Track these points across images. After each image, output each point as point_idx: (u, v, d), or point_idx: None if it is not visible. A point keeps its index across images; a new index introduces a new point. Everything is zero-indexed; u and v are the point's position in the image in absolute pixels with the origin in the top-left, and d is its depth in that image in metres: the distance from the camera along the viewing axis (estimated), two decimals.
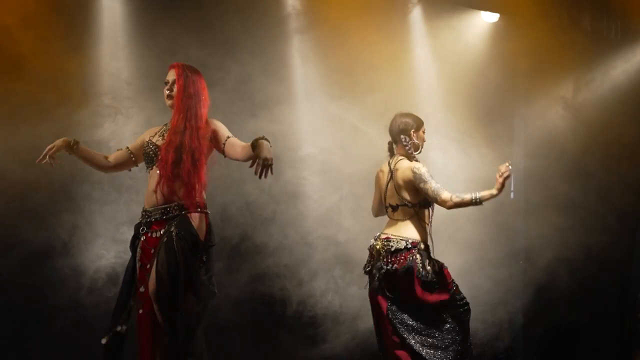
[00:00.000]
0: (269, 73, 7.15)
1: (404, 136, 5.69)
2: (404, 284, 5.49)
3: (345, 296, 7.15)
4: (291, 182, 7.09)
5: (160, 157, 5.00)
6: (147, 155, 5.11)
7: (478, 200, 5.39)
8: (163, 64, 6.19)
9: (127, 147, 5.23)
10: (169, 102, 5.16)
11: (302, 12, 7.34)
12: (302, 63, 7.36)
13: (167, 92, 5.15)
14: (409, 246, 5.51)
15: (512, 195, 8.45)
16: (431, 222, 5.65)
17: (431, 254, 5.67)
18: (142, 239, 4.95)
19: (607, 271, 7.88)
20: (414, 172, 5.53)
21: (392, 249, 5.53)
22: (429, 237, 5.65)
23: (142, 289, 4.88)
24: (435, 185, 5.48)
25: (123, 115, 6.70)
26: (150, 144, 5.11)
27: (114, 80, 6.74)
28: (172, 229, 4.86)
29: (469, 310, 5.68)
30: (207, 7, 7.05)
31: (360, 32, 7.24)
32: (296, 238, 7.14)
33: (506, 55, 7.98)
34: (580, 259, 7.77)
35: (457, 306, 5.62)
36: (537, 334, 8.28)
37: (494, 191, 5.35)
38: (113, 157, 5.25)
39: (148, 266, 4.86)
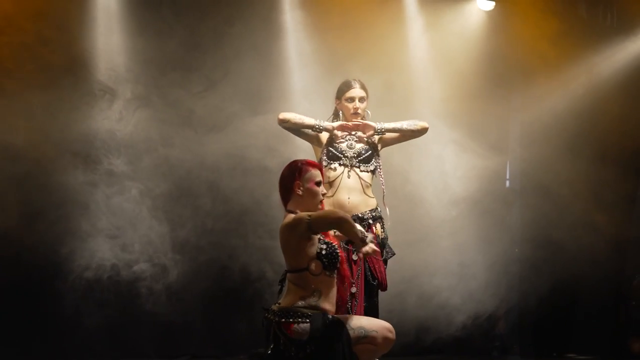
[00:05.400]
0: (260, 55, 7.18)
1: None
2: None
3: None
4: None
5: (342, 260, 4.60)
6: (332, 257, 4.50)
7: None
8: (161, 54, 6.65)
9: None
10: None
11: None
12: (297, 58, 7.36)
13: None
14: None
15: (507, 183, 8.42)
16: None
17: None
18: None
19: (602, 258, 7.83)
20: None
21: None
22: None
23: None
24: None
25: (125, 109, 6.82)
26: (332, 245, 4.53)
27: (113, 72, 6.81)
28: None
29: None
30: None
31: (354, 24, 7.26)
32: None
33: (502, 43, 7.95)
34: (576, 246, 7.73)
35: None
36: (532, 323, 8.25)
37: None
38: None
39: None
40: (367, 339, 4.45)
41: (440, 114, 7.23)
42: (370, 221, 5.53)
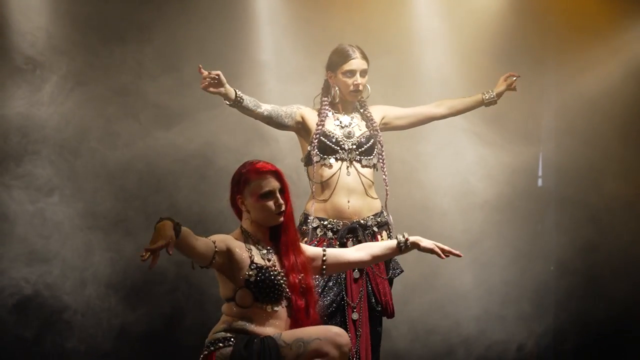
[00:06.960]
0: (232, 37, 6.77)
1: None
2: None
3: None
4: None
5: (294, 288, 4.27)
6: (265, 286, 4.16)
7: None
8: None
9: (214, 243, 4.17)
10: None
11: None
12: (271, 27, 6.87)
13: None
14: None
15: (540, 182, 7.74)
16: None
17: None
18: None
19: None
20: None
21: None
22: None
23: None
24: None
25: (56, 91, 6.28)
26: (268, 271, 4.19)
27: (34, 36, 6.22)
28: None
29: None
30: None
31: None
32: None
33: (533, 9, 7.26)
34: (628, 263, 7.06)
35: None
36: (571, 357, 7.56)
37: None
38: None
39: None
40: (311, 352, 4.13)
41: (454, 97, 6.40)
42: (375, 228, 5.27)
